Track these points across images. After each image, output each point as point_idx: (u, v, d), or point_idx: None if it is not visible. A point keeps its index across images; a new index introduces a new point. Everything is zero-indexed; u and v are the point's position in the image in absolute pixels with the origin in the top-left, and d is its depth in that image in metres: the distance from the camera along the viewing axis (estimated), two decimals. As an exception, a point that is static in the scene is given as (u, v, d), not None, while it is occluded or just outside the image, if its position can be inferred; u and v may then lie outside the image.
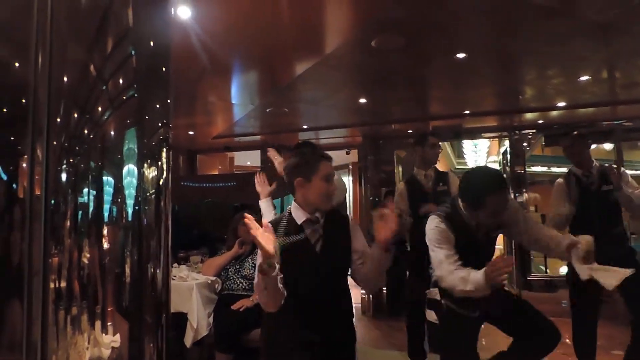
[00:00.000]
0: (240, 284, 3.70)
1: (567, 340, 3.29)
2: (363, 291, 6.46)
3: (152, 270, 0.98)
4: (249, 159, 8.79)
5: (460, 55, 3.52)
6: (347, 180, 9.31)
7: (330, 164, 1.83)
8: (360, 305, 6.51)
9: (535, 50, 3.56)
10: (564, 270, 4.43)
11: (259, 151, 7.43)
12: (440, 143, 3.73)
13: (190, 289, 3.59)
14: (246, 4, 2.57)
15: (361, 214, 7.08)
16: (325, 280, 1.75)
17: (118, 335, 0.95)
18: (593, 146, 7.23)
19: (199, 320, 3.51)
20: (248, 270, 3.72)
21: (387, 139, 6.66)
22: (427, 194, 3.51)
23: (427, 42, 3.31)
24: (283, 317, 1.70)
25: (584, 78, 4.26)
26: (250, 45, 3.27)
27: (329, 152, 5.48)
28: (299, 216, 1.80)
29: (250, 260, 3.77)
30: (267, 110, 5.15)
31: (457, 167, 8.99)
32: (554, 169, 8.99)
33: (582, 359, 3.21)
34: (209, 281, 3.75)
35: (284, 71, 3.95)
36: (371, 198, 6.63)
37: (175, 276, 3.80)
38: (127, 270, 0.95)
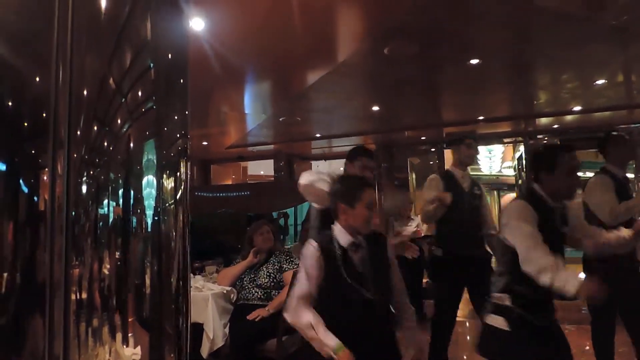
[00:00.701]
0: (256, 294, 3.68)
1: (588, 347, 3.22)
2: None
3: (171, 280, 0.98)
4: (262, 168, 8.84)
5: (474, 61, 3.50)
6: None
7: (373, 191, 1.97)
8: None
9: (549, 55, 3.53)
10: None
11: (272, 160, 7.45)
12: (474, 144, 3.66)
13: (205, 299, 3.58)
14: (259, 14, 2.59)
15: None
16: (360, 302, 1.84)
17: (139, 347, 0.95)
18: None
19: (215, 331, 3.50)
20: (263, 280, 3.71)
21: (400, 147, 6.63)
22: (463, 194, 3.40)
23: (440, 49, 3.30)
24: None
25: (599, 82, 4.21)
26: (263, 55, 3.29)
27: (341, 161, 5.48)
28: (344, 239, 1.92)
29: (265, 269, 3.76)
30: (280, 119, 5.18)
31: (472, 173, 8.90)
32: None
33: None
34: (225, 291, 3.75)
35: (296, 80, 3.97)
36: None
37: (190, 287, 3.80)
38: (147, 281, 0.94)
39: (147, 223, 1.01)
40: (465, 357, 4.41)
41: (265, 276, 3.70)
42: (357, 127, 5.75)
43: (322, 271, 1.84)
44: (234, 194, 7.27)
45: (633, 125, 5.82)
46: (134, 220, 0.99)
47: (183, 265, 1.05)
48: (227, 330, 3.62)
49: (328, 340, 1.73)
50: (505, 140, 6.26)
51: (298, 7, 2.56)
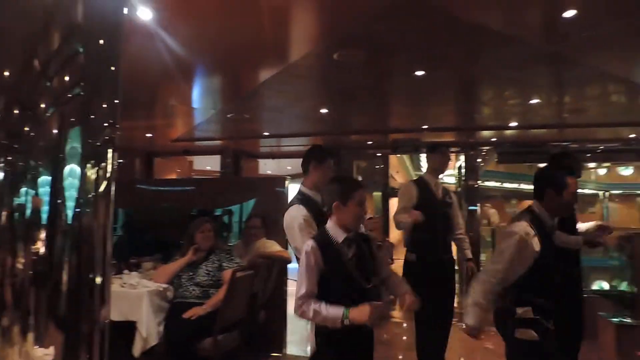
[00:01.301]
0: (193, 292, 3.61)
1: None
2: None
3: (91, 278, 0.94)
4: (208, 164, 8.66)
5: (419, 73, 3.61)
6: (307, 189, 9.30)
7: (363, 191, 2.16)
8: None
9: (491, 73, 3.71)
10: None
11: (219, 156, 7.32)
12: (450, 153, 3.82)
13: (140, 297, 3.46)
14: (210, 10, 2.55)
15: (319, 224, 7.10)
16: (358, 291, 2.02)
17: (52, 348, 0.90)
18: (541, 165, 7.60)
19: (149, 329, 3.39)
20: (201, 278, 3.64)
21: (347, 149, 6.72)
22: (437, 202, 3.52)
23: (388, 59, 3.39)
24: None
25: (535, 101, 4.46)
26: (213, 50, 3.24)
27: (289, 160, 5.49)
28: (338, 235, 2.09)
29: (204, 267, 3.69)
30: (229, 115, 5.10)
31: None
32: (506, 185, 9.35)
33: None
34: (161, 289, 3.64)
35: (247, 78, 3.93)
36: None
37: (125, 283, 3.66)
38: (65, 278, 0.90)
39: (68, 215, 0.96)
40: (400, 357, 4.54)
41: (204, 274, 3.63)
42: (306, 127, 5.77)
43: (321, 267, 2.00)
44: (178, 188, 7.05)
45: (563, 143, 6.22)
46: (54, 212, 0.94)
47: (105, 261, 1.00)
48: (161, 328, 3.52)
49: (336, 313, 1.92)
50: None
51: (251, 5, 2.54)
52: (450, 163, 9.66)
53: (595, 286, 6.64)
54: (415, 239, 3.45)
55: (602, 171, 8.36)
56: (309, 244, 2.03)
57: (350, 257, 2.06)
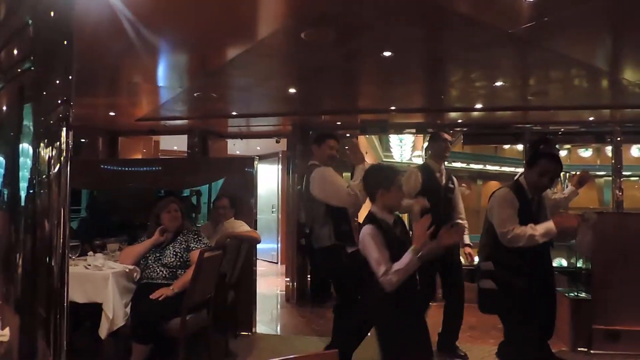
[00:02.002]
0: (161, 273, 3.58)
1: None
2: (287, 279, 6.51)
3: (47, 259, 0.91)
4: (175, 144, 8.49)
5: (387, 54, 3.61)
6: (276, 168, 9.29)
7: (400, 176, 2.54)
8: (284, 292, 6.56)
9: (457, 55, 3.75)
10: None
11: (186, 136, 7.19)
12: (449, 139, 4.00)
13: (105, 278, 3.41)
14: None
15: (287, 202, 7.11)
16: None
17: (7, 329, 0.88)
18: (506, 146, 7.82)
19: (115, 311, 3.36)
20: (169, 259, 3.61)
21: (316, 130, 6.71)
22: (440, 188, 3.73)
23: (356, 39, 3.37)
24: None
25: (500, 84, 4.55)
26: (178, 27, 3.15)
27: (258, 140, 5.47)
28: (388, 218, 2.43)
29: (171, 248, 3.66)
30: (195, 94, 4.99)
31: (385, 160, 9.27)
32: (472, 166, 9.56)
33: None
34: (127, 270, 3.60)
35: (214, 56, 3.84)
36: (299, 187, 6.68)
37: (89, 265, 3.60)
38: (19, 260, 0.87)
39: (21, 196, 0.92)
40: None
41: (171, 255, 3.61)
42: (274, 107, 5.71)
43: (384, 246, 2.27)
44: (144, 168, 6.91)
45: (527, 126, 6.38)
46: (5, 192, 0.90)
47: (62, 243, 0.97)
48: (128, 309, 3.49)
49: (408, 261, 2.21)
50: (413, 131, 6.57)
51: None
52: (417, 144, 9.82)
53: (554, 263, 6.94)
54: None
55: (563, 153, 8.66)
56: (368, 226, 2.33)
57: (398, 235, 2.42)
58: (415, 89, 5.01)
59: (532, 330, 2.73)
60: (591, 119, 6.00)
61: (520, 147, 6.85)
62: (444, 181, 3.83)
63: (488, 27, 3.07)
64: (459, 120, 6.35)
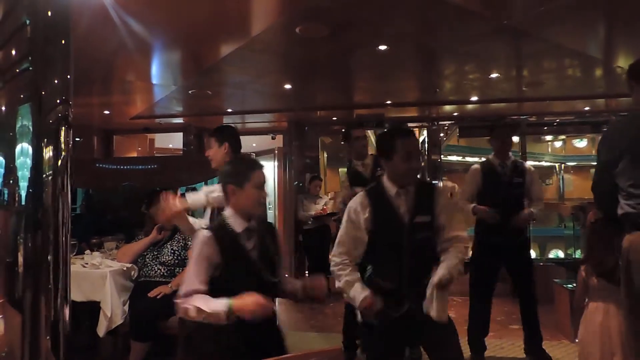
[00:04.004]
0: (158, 271, 3.59)
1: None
2: (286, 275, 6.52)
3: (48, 258, 0.91)
4: (170, 142, 8.46)
5: (382, 48, 3.61)
6: (273, 165, 9.27)
7: (262, 172, 1.95)
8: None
9: (451, 47, 3.75)
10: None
11: (181, 134, 7.17)
12: (366, 132, 3.89)
13: (103, 276, 3.42)
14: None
15: (285, 199, 7.11)
16: (262, 287, 1.80)
17: (10, 329, 0.88)
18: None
19: (113, 309, 3.37)
20: (166, 257, 3.62)
21: (312, 125, 6.71)
22: (367, 180, 3.54)
23: (350, 33, 3.37)
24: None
25: (494, 75, 4.55)
26: (172, 24, 3.13)
27: (254, 137, 5.48)
28: (237, 224, 1.88)
29: (169, 247, 3.66)
30: (190, 92, 4.97)
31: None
32: (468, 159, 9.59)
33: (473, 333, 3.54)
34: (125, 268, 3.60)
35: (207, 52, 3.83)
36: (295, 183, 6.68)
37: (87, 263, 3.59)
38: (20, 259, 0.87)
39: (21, 195, 0.92)
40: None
41: (169, 253, 3.61)
42: (270, 104, 5.70)
43: (217, 261, 1.78)
44: (139, 167, 6.90)
45: (522, 117, 6.40)
46: (5, 192, 0.90)
47: (62, 242, 0.98)
48: (126, 308, 3.50)
49: (219, 308, 1.68)
50: (411, 124, 6.57)
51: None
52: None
53: (551, 254, 6.99)
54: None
55: (558, 144, 8.68)
56: (204, 234, 1.81)
57: (251, 249, 1.87)
58: (410, 83, 5.01)
59: None
60: (586, 108, 6.02)
61: (515, 138, 6.88)
62: (369, 173, 3.68)
63: (482, 18, 3.06)
64: (455, 113, 6.37)
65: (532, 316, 3.46)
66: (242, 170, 1.90)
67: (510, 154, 3.62)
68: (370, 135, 8.75)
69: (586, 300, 2.57)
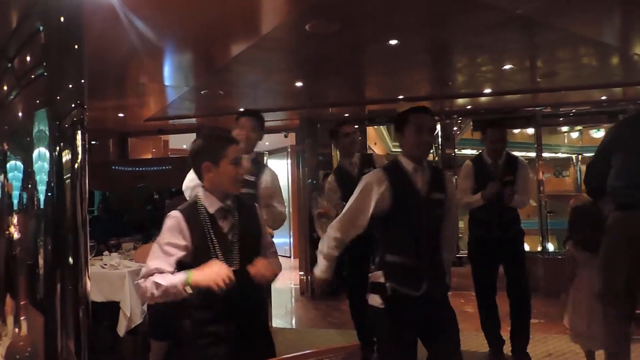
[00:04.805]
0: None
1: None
2: (301, 272, 6.54)
3: (68, 260, 0.93)
4: (184, 142, 8.53)
5: (393, 42, 3.59)
6: (286, 163, 9.29)
7: (238, 147, 1.83)
8: (298, 286, 6.59)
9: (464, 39, 3.71)
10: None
11: (194, 134, 7.21)
12: (356, 128, 3.74)
13: (122, 277, 3.46)
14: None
15: (299, 197, 7.12)
16: (240, 271, 1.71)
17: (33, 331, 0.90)
18: (516, 130, 7.74)
19: (133, 309, 3.41)
20: (183, 257, 3.65)
21: (324, 122, 6.70)
22: (355, 179, 3.51)
23: (360, 28, 3.35)
24: (199, 311, 1.74)
25: (508, 67, 4.49)
26: (182, 26, 3.15)
27: (267, 135, 5.48)
28: (211, 204, 1.77)
29: (185, 246, 3.69)
30: (202, 92, 5.01)
31: (393, 150, 9.23)
32: (474, 156, 9.44)
33: (485, 328, 3.50)
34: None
35: (219, 53, 3.85)
36: (309, 181, 6.68)
37: (105, 264, 3.65)
38: (41, 262, 0.89)
39: (40, 199, 0.94)
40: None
41: (185, 253, 3.64)
42: (281, 102, 5.71)
43: (187, 244, 1.67)
44: (154, 168, 6.98)
45: (537, 109, 6.31)
46: (24, 196, 0.92)
47: (81, 243, 1.00)
48: (145, 307, 3.54)
49: (176, 280, 1.58)
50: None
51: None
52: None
53: (551, 248, 6.87)
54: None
55: (574, 135, 8.53)
56: (174, 215, 1.69)
57: (226, 231, 1.75)
58: (422, 77, 4.97)
59: None
60: (603, 98, 5.91)
61: (531, 130, 6.78)
62: (357, 172, 3.51)
63: (494, 8, 3.02)
64: (468, 107, 6.30)
65: (523, 312, 3.38)
66: (217, 146, 1.77)
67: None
68: (383, 131, 8.73)
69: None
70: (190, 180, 2.63)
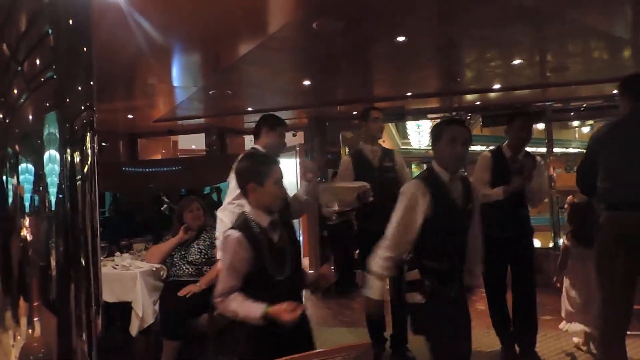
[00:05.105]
0: (187, 270, 3.64)
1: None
2: (311, 271, 6.55)
3: (80, 261, 0.94)
4: (193, 143, 8.59)
5: (400, 39, 3.57)
6: (295, 162, 9.30)
7: (279, 167, 1.98)
8: (309, 285, 6.60)
9: (472, 34, 3.68)
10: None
11: (203, 134, 7.26)
12: (383, 120, 3.60)
13: (133, 277, 3.49)
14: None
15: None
16: (291, 277, 1.89)
17: (46, 331, 0.91)
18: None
19: (145, 309, 3.43)
20: (194, 256, 3.67)
21: (332, 121, 6.70)
22: (374, 169, 3.43)
23: (367, 26, 3.34)
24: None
25: (517, 61, 4.45)
26: (189, 26, 3.17)
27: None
28: (262, 219, 1.92)
29: (195, 246, 3.71)
30: (210, 92, 5.03)
31: (402, 147, 9.20)
32: (493, 148, 9.38)
33: (496, 326, 3.46)
34: (154, 269, 3.66)
35: (226, 53, 3.86)
36: (318, 179, 6.68)
37: (117, 265, 3.68)
38: (53, 263, 0.90)
39: (51, 201, 0.96)
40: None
41: (196, 252, 3.66)
42: (290, 101, 5.72)
43: (249, 258, 1.81)
44: (164, 169, 7.03)
45: (547, 104, 6.24)
46: (36, 198, 0.93)
47: (92, 244, 1.01)
48: (156, 307, 3.56)
49: (254, 313, 1.75)
50: (433, 115, 6.49)
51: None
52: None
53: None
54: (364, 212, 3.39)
55: (585, 129, 8.43)
56: (233, 234, 1.83)
57: (276, 242, 1.92)
58: (430, 73, 4.94)
59: None
60: (615, 92, 5.83)
61: (541, 126, 6.72)
62: (377, 162, 3.49)
63: (502, 1, 2.99)
64: (477, 103, 6.25)
65: (530, 305, 3.34)
66: (261, 168, 1.92)
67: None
68: (392, 128, 8.70)
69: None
70: (229, 203, 2.64)
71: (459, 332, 2.21)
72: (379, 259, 2.17)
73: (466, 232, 2.27)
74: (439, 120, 2.52)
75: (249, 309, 1.76)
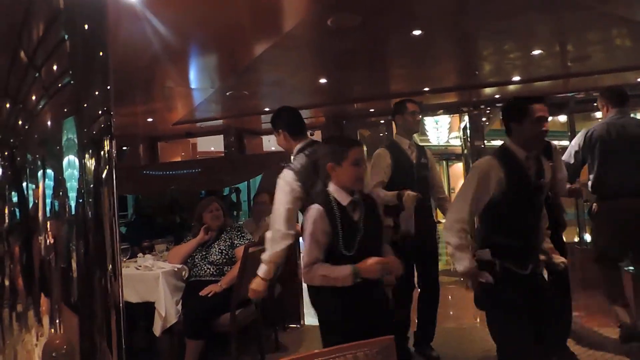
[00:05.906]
0: (208, 270, 3.67)
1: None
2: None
3: (100, 262, 0.95)
4: (212, 144, 8.66)
5: (417, 33, 3.53)
6: (313, 161, 9.30)
7: (360, 149, 2.07)
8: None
9: (489, 25, 3.61)
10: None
11: (222, 136, 7.31)
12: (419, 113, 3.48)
13: (156, 278, 3.53)
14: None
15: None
16: (360, 257, 1.97)
17: (69, 331, 0.92)
18: (549, 118, 7.54)
19: (167, 309, 3.47)
20: (215, 257, 3.69)
21: (350, 119, 6.67)
22: (413, 165, 3.29)
23: (383, 20, 3.30)
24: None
25: (537, 52, 4.36)
26: (204, 28, 3.18)
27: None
28: (343, 198, 2.03)
29: (216, 246, 3.74)
30: (228, 93, 5.06)
31: (420, 144, 9.11)
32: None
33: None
34: (176, 269, 3.71)
35: (242, 53, 3.87)
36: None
37: (140, 266, 3.73)
38: (74, 265, 0.91)
39: (71, 206, 0.97)
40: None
41: (217, 253, 3.69)
42: (306, 100, 5.71)
43: (328, 232, 1.95)
44: (184, 171, 7.11)
45: (569, 95, 6.10)
46: (56, 203, 0.95)
47: (112, 246, 1.02)
48: (179, 307, 3.60)
49: (344, 272, 1.90)
50: (451, 110, 6.41)
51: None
52: (454, 125, 9.56)
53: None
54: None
55: (609, 119, 8.20)
56: (315, 207, 1.98)
57: (356, 220, 2.02)
58: (448, 67, 4.88)
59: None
60: (639, 80, 5.67)
61: (563, 118, 6.57)
62: (415, 157, 3.33)
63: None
64: (496, 96, 6.15)
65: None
66: (339, 149, 2.03)
67: None
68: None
69: None
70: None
71: (524, 313, 2.15)
72: (454, 231, 2.19)
73: (540, 210, 2.29)
74: (516, 96, 2.37)
75: (338, 270, 1.91)
